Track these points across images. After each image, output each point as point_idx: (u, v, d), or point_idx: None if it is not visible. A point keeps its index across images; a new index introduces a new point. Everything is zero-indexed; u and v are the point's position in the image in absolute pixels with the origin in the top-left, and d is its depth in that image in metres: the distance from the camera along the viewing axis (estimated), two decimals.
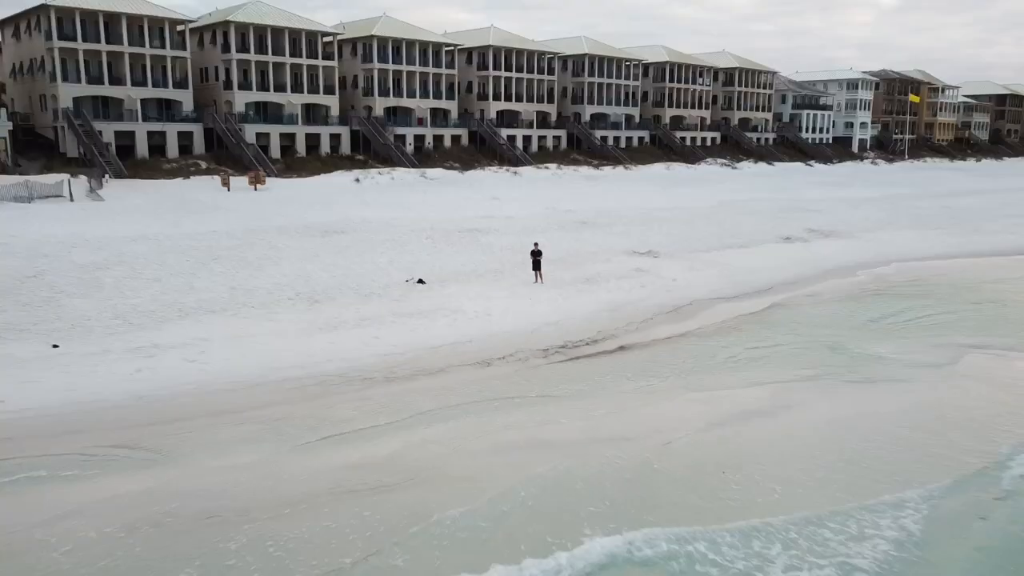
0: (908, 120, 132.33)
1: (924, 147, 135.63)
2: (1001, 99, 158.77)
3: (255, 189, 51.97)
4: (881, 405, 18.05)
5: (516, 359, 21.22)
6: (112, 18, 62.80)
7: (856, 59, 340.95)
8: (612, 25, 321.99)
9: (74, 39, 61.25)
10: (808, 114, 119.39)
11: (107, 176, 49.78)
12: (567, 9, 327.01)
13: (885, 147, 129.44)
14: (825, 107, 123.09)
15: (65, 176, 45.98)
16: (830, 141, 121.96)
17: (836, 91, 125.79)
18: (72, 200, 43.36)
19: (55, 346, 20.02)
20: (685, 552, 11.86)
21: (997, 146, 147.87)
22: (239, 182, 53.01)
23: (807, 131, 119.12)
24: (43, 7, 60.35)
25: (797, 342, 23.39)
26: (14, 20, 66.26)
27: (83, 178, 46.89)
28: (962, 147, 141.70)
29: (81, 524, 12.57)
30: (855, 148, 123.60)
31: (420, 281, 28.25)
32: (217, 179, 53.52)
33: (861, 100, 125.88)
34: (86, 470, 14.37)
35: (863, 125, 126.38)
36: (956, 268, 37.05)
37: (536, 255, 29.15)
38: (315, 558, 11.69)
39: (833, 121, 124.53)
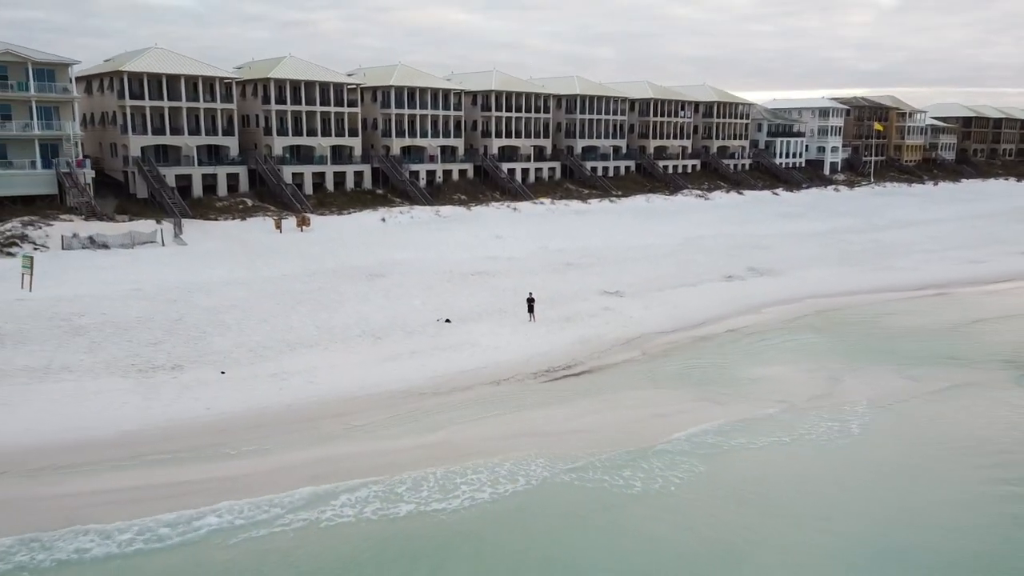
0: (874, 143, 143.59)
1: (892, 168, 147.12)
2: (968, 121, 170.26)
3: (301, 231, 63.36)
4: (733, 412, 29.45)
5: (516, 380, 32.61)
6: (172, 79, 74.10)
7: (855, 59, 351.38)
8: (612, 24, 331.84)
9: (142, 98, 72.63)
10: (782, 141, 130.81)
11: (179, 219, 60.98)
12: (566, 9, 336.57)
13: (855, 169, 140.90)
14: (798, 134, 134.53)
15: (154, 223, 57.32)
16: (803, 165, 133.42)
17: (809, 119, 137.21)
18: (164, 245, 54.70)
19: (223, 372, 31.39)
20: (600, 475, 23.30)
21: (962, 166, 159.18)
22: (287, 223, 64.29)
23: (781, 156, 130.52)
24: (116, 72, 71.77)
25: (702, 366, 34.78)
26: (86, 79, 77.55)
27: (167, 224, 58.16)
28: (929, 167, 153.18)
29: (281, 477, 23.85)
30: (826, 171, 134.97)
31: (447, 320, 39.61)
32: (269, 221, 64.86)
33: (832, 127, 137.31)
34: (277, 447, 25.70)
35: (834, 149, 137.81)
36: (856, 303, 48.31)
37: (531, 301, 40.56)
38: (414, 498, 22.98)
39: (806, 146, 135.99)
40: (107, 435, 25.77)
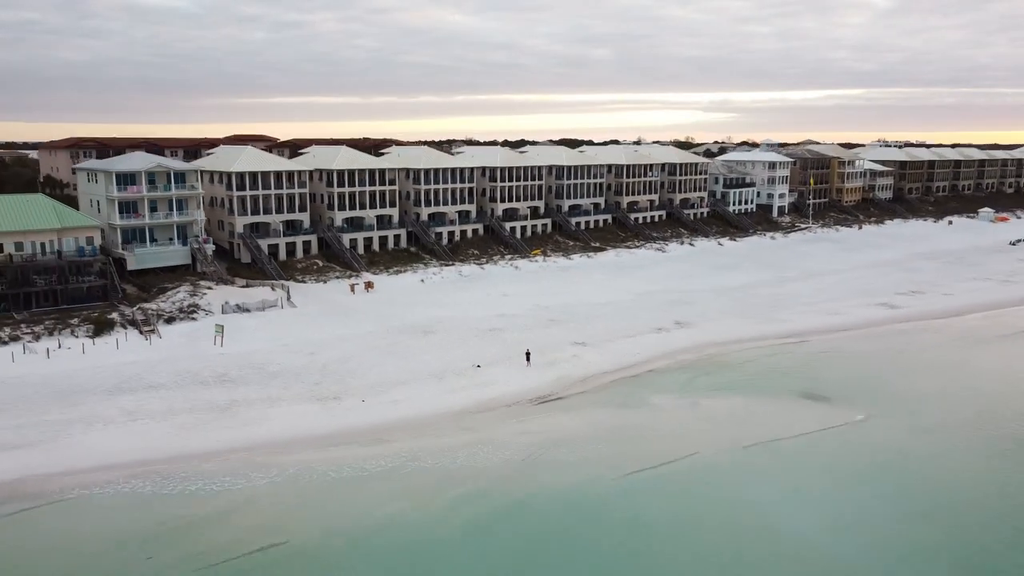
0: (815, 188, 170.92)
1: (833, 209, 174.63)
2: (903, 164, 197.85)
3: (368, 292, 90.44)
4: (621, 419, 56.62)
5: (520, 405, 59.77)
6: (265, 174, 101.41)
7: (851, 60, 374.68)
8: (608, 26, 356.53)
9: (244, 189, 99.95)
10: (735, 191, 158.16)
11: (286, 285, 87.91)
12: (561, 10, 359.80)
13: (800, 210, 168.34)
14: (749, 184, 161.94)
15: (270, 290, 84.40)
16: (754, 209, 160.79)
17: (760, 170, 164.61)
18: (282, 308, 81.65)
19: (363, 400, 58.54)
20: (567, 453, 50.62)
21: (895, 205, 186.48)
22: (358, 287, 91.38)
23: (735, 204, 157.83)
24: (226, 172, 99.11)
25: (624, 393, 61.89)
26: (199, 173, 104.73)
27: (281, 290, 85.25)
28: (866, 207, 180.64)
29: (404, 453, 50.97)
30: (775, 214, 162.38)
31: (478, 366, 66.72)
32: (344, 283, 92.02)
33: (779, 176, 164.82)
34: (398, 439, 52.79)
35: (781, 195, 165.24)
36: (735, 350, 75.22)
37: (528, 354, 67.81)
38: (461, 458, 50.15)
39: (757, 192, 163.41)
40: (321, 434, 52.94)
